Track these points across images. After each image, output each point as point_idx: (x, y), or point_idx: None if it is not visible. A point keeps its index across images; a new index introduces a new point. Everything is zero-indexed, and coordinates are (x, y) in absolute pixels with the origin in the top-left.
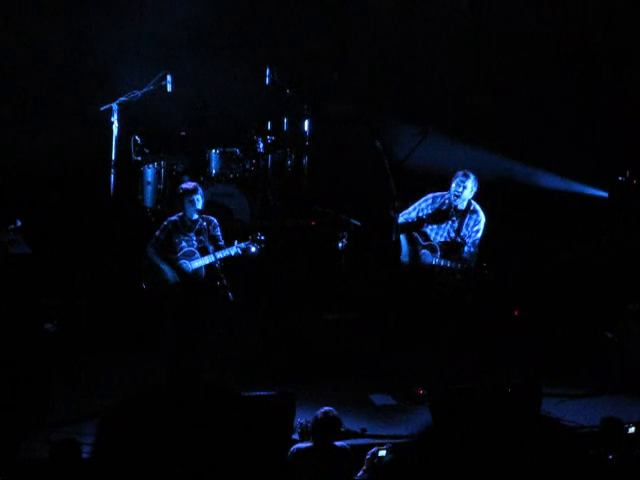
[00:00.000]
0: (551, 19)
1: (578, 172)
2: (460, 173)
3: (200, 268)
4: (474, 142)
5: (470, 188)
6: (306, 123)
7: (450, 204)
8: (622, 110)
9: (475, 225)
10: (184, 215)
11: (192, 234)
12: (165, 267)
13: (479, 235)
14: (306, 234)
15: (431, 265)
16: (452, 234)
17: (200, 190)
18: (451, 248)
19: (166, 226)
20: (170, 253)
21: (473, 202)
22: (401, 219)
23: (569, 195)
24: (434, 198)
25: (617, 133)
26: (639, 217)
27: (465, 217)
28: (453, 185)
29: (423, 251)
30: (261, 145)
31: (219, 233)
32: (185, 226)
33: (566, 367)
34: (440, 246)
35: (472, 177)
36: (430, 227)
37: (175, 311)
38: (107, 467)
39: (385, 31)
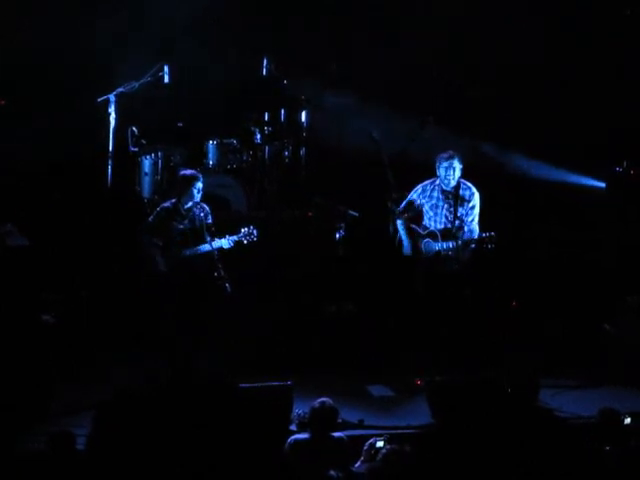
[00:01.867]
0: (550, 12)
1: (575, 163)
2: (444, 157)
3: (192, 256)
4: (472, 133)
5: (458, 168)
6: (303, 114)
7: (442, 190)
8: (619, 100)
9: (470, 201)
10: (178, 202)
11: (186, 221)
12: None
13: (476, 210)
14: (303, 225)
15: (436, 252)
16: (450, 217)
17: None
18: (451, 231)
19: (159, 212)
20: (163, 239)
21: (462, 180)
22: (398, 210)
23: (566, 186)
24: (423, 187)
25: (614, 123)
26: (637, 208)
27: (458, 196)
28: (441, 171)
29: (425, 240)
30: (258, 136)
31: (211, 221)
32: (179, 213)
33: (564, 358)
34: (440, 231)
35: (456, 156)
36: (427, 216)
37: (173, 302)
38: (103, 459)
39: (383, 21)
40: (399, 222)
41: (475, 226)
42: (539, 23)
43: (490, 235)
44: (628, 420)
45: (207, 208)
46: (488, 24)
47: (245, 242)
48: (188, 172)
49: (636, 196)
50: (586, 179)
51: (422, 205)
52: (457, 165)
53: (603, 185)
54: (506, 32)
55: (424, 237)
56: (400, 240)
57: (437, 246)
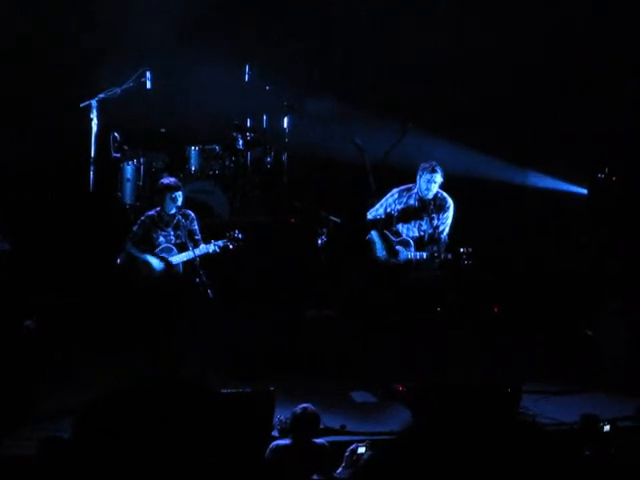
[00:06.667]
0: (532, 17)
1: (557, 169)
2: (426, 170)
3: (178, 264)
4: (454, 138)
5: (439, 181)
6: (286, 120)
7: (419, 198)
8: (601, 106)
9: (445, 212)
10: (162, 210)
11: (170, 229)
12: (149, 258)
13: (449, 221)
14: (285, 231)
15: (407, 260)
16: (424, 227)
17: (181, 187)
18: (424, 241)
19: (143, 221)
20: (148, 248)
21: (438, 190)
22: (369, 217)
23: (548, 192)
24: (399, 192)
25: (596, 129)
26: (618, 214)
27: (435, 206)
28: (422, 183)
29: (397, 247)
30: (241, 142)
31: (197, 227)
32: (163, 221)
33: (547, 364)
34: (414, 240)
35: (439, 171)
36: (400, 223)
37: (154, 308)
38: (83, 464)
39: (366, 28)
40: (373, 232)
41: (445, 237)
42: (524, 28)
43: (468, 251)
44: (607, 427)
45: (192, 214)
46: (472, 28)
47: (231, 247)
48: (165, 181)
49: (618, 203)
50: (568, 185)
51: (396, 211)
52: (439, 178)
53: (585, 192)
54: (491, 36)
55: (396, 244)
56: (369, 246)
57: (409, 254)
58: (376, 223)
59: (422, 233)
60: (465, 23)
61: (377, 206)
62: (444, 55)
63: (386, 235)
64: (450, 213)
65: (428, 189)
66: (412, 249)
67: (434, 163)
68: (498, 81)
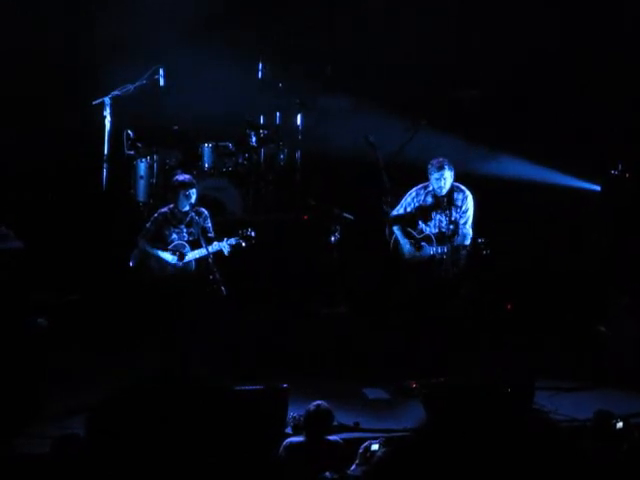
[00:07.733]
0: (539, 12)
1: (570, 165)
2: (435, 168)
3: (190, 261)
4: (466, 135)
5: (450, 176)
6: (299, 117)
7: (434, 195)
8: (614, 102)
9: (463, 204)
10: (175, 207)
11: (183, 226)
12: (162, 254)
13: (469, 213)
14: (298, 228)
15: (430, 255)
16: (444, 222)
17: (195, 184)
18: (445, 235)
19: (156, 218)
20: (161, 245)
21: (455, 184)
22: (392, 215)
23: (561, 189)
24: (417, 191)
25: (610, 125)
26: (631, 211)
27: (451, 201)
28: (433, 181)
29: (421, 244)
30: (254, 139)
31: (210, 225)
32: (176, 218)
33: (560, 360)
34: (435, 235)
35: (447, 166)
36: (422, 220)
37: (166, 305)
38: (98, 461)
39: (377, 23)
40: (395, 228)
41: (468, 229)
42: (531, 21)
43: (485, 241)
44: (620, 424)
45: (205, 212)
46: (480, 24)
47: (244, 245)
48: (179, 178)
49: (630, 198)
50: (581, 182)
51: (415, 209)
52: (448, 174)
53: (598, 188)
54: (498, 31)
55: (419, 241)
56: (395, 244)
57: (432, 250)
58: (398, 220)
59: (443, 229)
60: (473, 17)
61: (398, 206)
62: (454, 50)
63: (409, 232)
64: (469, 204)
65: (440, 186)
66: (434, 244)
67: (442, 160)
68: (509, 75)
